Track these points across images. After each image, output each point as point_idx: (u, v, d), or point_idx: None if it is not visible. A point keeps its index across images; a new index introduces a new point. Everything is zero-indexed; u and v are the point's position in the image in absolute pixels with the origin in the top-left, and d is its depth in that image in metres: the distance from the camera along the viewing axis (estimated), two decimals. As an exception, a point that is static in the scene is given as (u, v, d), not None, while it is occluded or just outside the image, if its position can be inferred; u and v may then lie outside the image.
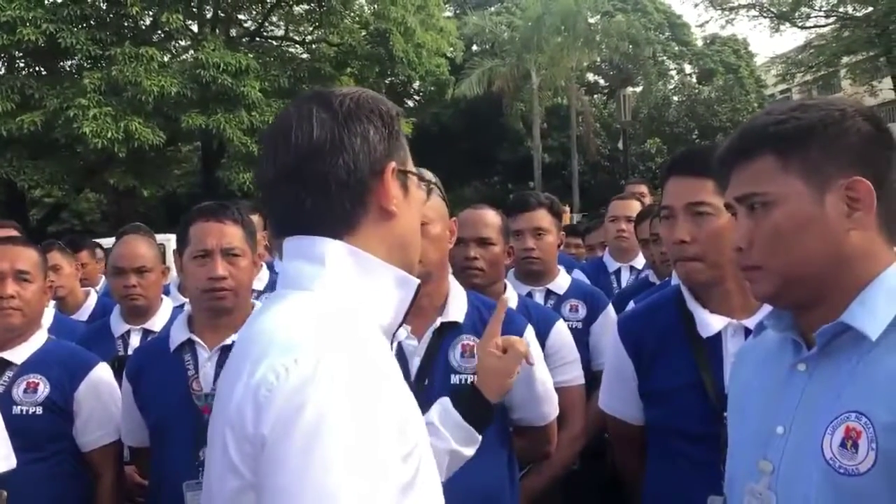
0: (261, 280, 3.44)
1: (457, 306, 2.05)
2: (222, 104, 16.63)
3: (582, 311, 3.01)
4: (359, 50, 19.38)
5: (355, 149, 1.10)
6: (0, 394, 2.31)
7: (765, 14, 26.78)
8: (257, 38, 21.42)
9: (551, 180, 27.25)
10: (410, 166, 1.21)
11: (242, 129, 16.52)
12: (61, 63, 17.87)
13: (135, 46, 16.19)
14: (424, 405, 1.54)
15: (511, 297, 2.54)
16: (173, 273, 3.70)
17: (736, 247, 1.25)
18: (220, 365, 2.12)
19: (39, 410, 2.31)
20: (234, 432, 0.99)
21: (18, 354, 2.39)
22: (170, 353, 2.23)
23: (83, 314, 3.86)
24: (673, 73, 36.11)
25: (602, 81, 36.04)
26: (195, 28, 19.04)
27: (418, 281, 1.17)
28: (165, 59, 17.58)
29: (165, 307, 3.10)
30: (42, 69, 17.93)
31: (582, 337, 2.87)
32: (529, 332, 2.04)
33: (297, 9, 20.76)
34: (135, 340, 2.97)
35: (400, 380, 1.06)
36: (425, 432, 1.10)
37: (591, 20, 28.55)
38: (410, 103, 26.66)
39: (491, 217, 2.66)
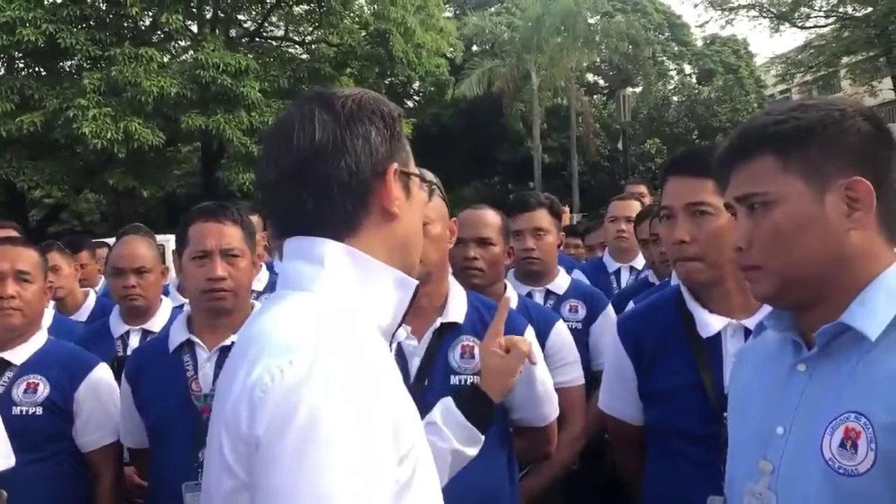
0: (260, 281, 3.44)
1: (457, 307, 2.05)
2: (222, 105, 16.64)
3: (581, 312, 3.01)
4: (358, 50, 19.38)
5: (357, 150, 1.10)
6: (0, 394, 2.31)
7: (764, 14, 26.80)
8: (257, 39, 21.43)
9: (551, 180, 27.26)
10: (412, 167, 1.20)
11: (242, 129, 16.53)
12: (61, 63, 17.87)
13: (134, 47, 16.20)
14: (424, 406, 1.54)
15: (511, 298, 2.54)
16: (172, 273, 3.70)
17: (735, 247, 1.25)
18: (219, 365, 2.12)
19: (39, 411, 2.31)
20: (229, 432, 0.99)
21: (18, 355, 2.39)
22: (169, 353, 2.23)
23: (82, 315, 3.85)
24: (673, 73, 36.15)
25: (602, 82, 36.06)
26: (195, 28, 19.04)
27: (417, 282, 1.17)
28: (165, 59, 17.58)
29: (165, 308, 3.09)
30: (42, 70, 17.94)
31: (581, 337, 2.86)
32: (529, 332, 2.03)
33: (297, 9, 20.77)
34: (134, 341, 2.97)
35: (398, 381, 1.06)
36: (423, 434, 1.10)
37: (591, 20, 28.56)
38: (410, 104, 26.69)
39: (491, 217, 2.65)
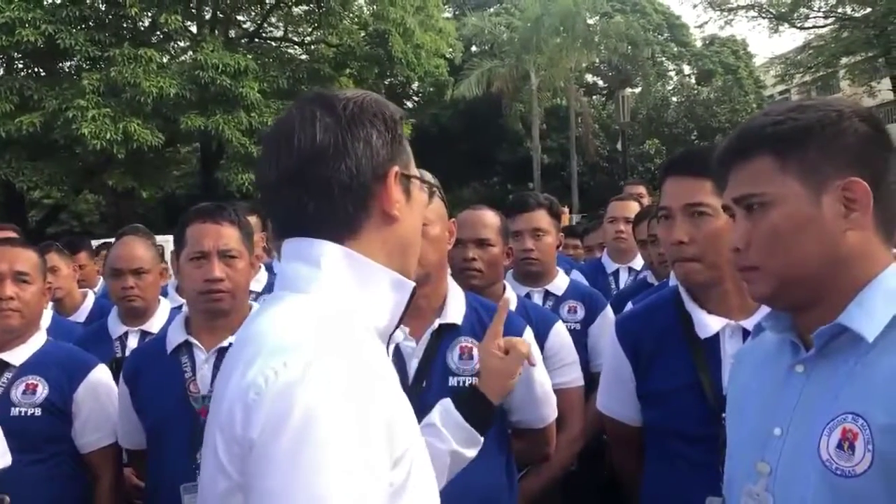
0: (259, 282, 3.44)
1: (455, 308, 2.04)
2: (221, 105, 16.63)
3: (580, 313, 3.00)
4: (358, 51, 19.38)
5: (358, 153, 1.10)
6: (-1, 395, 2.31)
7: (763, 15, 26.82)
8: (256, 39, 21.43)
9: (550, 181, 27.27)
10: (413, 170, 1.20)
11: (241, 130, 16.53)
12: (60, 64, 17.87)
13: (134, 47, 16.20)
14: (422, 407, 1.54)
15: (511, 299, 2.54)
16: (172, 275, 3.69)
17: (733, 247, 1.25)
18: (217, 367, 2.11)
19: (38, 412, 2.31)
20: (224, 433, 0.99)
21: (17, 356, 2.39)
22: (167, 354, 2.22)
23: (81, 315, 3.85)
24: (672, 73, 36.15)
25: (601, 82, 36.07)
26: (194, 29, 19.04)
27: (414, 284, 1.17)
28: (164, 60, 17.58)
29: (163, 308, 3.08)
30: (41, 70, 17.93)
31: (580, 338, 2.86)
32: (528, 333, 2.03)
33: (296, 10, 20.78)
34: (132, 342, 2.96)
35: (394, 383, 1.06)
36: (419, 437, 1.10)
37: (590, 21, 28.56)
38: (409, 104, 26.69)
39: (490, 218, 2.65)
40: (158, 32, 18.32)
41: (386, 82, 22.12)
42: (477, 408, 1.58)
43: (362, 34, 19.80)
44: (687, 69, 36.15)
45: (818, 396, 1.17)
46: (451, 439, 1.53)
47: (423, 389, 1.91)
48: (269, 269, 3.71)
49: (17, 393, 2.32)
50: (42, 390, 2.33)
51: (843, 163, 1.17)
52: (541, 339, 2.30)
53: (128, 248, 3.02)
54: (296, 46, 21.80)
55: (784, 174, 1.19)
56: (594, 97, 34.31)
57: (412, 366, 1.96)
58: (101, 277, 4.62)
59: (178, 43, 19.57)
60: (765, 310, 1.37)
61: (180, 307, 2.88)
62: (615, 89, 26.23)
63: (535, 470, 2.32)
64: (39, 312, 2.51)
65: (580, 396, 2.50)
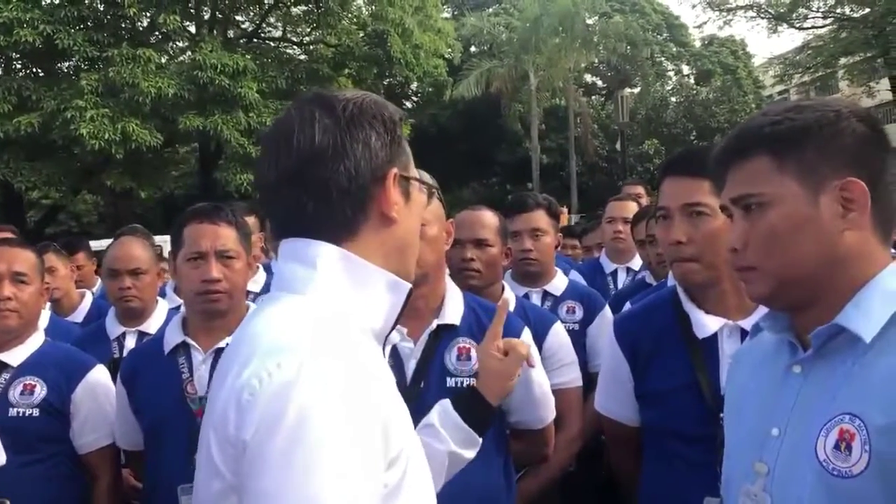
0: (257, 282, 3.44)
1: (453, 308, 2.04)
2: (220, 105, 16.62)
3: (579, 313, 3.00)
4: (357, 51, 19.36)
5: (357, 155, 1.09)
6: (-3, 396, 2.30)
7: (762, 15, 26.83)
8: (255, 40, 21.41)
9: (549, 181, 27.27)
10: (412, 171, 1.20)
11: (240, 130, 16.52)
12: (58, 64, 17.85)
13: (132, 48, 16.18)
14: (420, 408, 1.54)
15: (510, 299, 2.54)
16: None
17: (731, 248, 1.25)
18: (214, 367, 2.10)
19: (36, 412, 2.31)
20: (217, 434, 0.99)
21: (15, 356, 2.39)
22: (164, 355, 2.22)
23: (78, 316, 3.85)
24: (671, 74, 36.17)
25: (600, 82, 36.08)
26: (193, 29, 19.02)
27: (410, 286, 1.17)
28: (163, 60, 17.57)
29: (161, 309, 3.08)
30: (39, 70, 17.91)
31: (579, 338, 2.86)
32: (526, 334, 2.03)
33: (295, 10, 20.76)
34: (130, 343, 2.95)
35: (390, 384, 1.06)
36: (415, 438, 1.10)
37: (589, 21, 28.58)
38: (408, 104, 26.70)
39: (488, 218, 2.65)
40: (157, 32, 18.31)
41: (385, 82, 22.10)
42: (476, 409, 1.58)
43: (361, 34, 19.79)
44: (686, 69, 36.18)
45: (816, 397, 1.17)
46: (450, 440, 1.52)
47: (420, 390, 1.91)
48: (268, 269, 3.70)
49: (14, 393, 2.32)
50: (40, 391, 2.33)
51: (841, 163, 1.17)
52: (539, 339, 2.30)
53: (125, 248, 3.02)
54: (294, 46, 21.79)
55: (782, 174, 1.19)
56: (593, 97, 34.32)
57: (410, 366, 1.96)
58: (99, 278, 4.61)
59: (177, 43, 19.56)
60: (763, 310, 1.37)
61: (178, 307, 2.88)
62: (614, 89, 26.24)
63: (533, 470, 2.32)
64: (37, 313, 2.51)
65: (578, 397, 2.49)
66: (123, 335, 2.99)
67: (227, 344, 1.64)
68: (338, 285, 1.09)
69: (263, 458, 0.91)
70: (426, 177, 1.80)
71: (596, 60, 31.80)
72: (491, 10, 31.35)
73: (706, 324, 1.87)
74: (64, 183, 17.85)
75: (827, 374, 1.17)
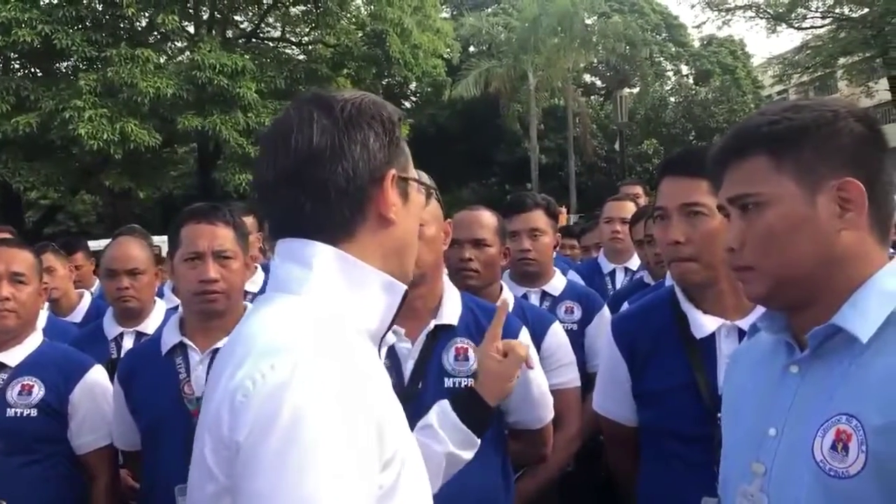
0: (254, 282, 3.43)
1: (451, 309, 2.04)
2: (218, 105, 16.61)
3: (577, 313, 3.00)
4: (355, 51, 19.36)
5: (355, 156, 1.09)
6: (-5, 396, 2.30)
7: (761, 15, 26.82)
8: (253, 40, 21.41)
9: (548, 181, 27.27)
10: (411, 172, 1.20)
11: (239, 130, 16.51)
12: (57, 64, 17.84)
13: (131, 48, 16.17)
14: (418, 409, 1.54)
15: (509, 300, 2.54)
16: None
17: (728, 247, 1.25)
18: (211, 368, 2.10)
19: (34, 413, 2.30)
20: (211, 435, 0.99)
21: (13, 356, 2.38)
22: (161, 356, 2.22)
23: (77, 316, 3.85)
24: (670, 74, 36.17)
25: (599, 82, 36.09)
26: (191, 29, 19.02)
27: (405, 287, 1.17)
28: (161, 60, 17.56)
29: (159, 309, 3.07)
30: (38, 70, 17.90)
31: (577, 338, 2.86)
32: (524, 334, 2.03)
33: (294, 10, 20.76)
34: (128, 343, 2.94)
35: (386, 385, 1.06)
36: (411, 439, 1.10)
37: (588, 21, 28.59)
38: (407, 104, 26.71)
39: (486, 218, 2.65)
40: (155, 32, 18.30)
41: (383, 82, 22.09)
42: (474, 410, 1.57)
43: (360, 34, 19.79)
44: (685, 69, 36.20)
45: (813, 397, 1.17)
46: (448, 441, 1.52)
47: (418, 390, 1.91)
48: (266, 269, 3.70)
49: (12, 394, 2.31)
50: (38, 391, 2.33)
51: (838, 163, 1.17)
52: (537, 339, 2.30)
53: (123, 248, 3.01)
54: (293, 46, 21.78)
55: (779, 174, 1.19)
56: (592, 97, 34.31)
57: (408, 367, 1.96)
58: (98, 278, 4.61)
59: (176, 43, 19.56)
60: (760, 310, 1.37)
61: (176, 308, 2.87)
62: (613, 89, 26.22)
63: (531, 471, 2.32)
64: (35, 313, 2.51)
65: (577, 397, 2.49)
66: (121, 335, 2.98)
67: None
68: (333, 286, 1.09)
69: (257, 458, 0.91)
70: (424, 177, 1.79)
71: (595, 60, 31.81)
72: (490, 10, 31.35)
73: (704, 324, 1.87)
74: (62, 183, 17.84)
75: (824, 374, 1.17)
